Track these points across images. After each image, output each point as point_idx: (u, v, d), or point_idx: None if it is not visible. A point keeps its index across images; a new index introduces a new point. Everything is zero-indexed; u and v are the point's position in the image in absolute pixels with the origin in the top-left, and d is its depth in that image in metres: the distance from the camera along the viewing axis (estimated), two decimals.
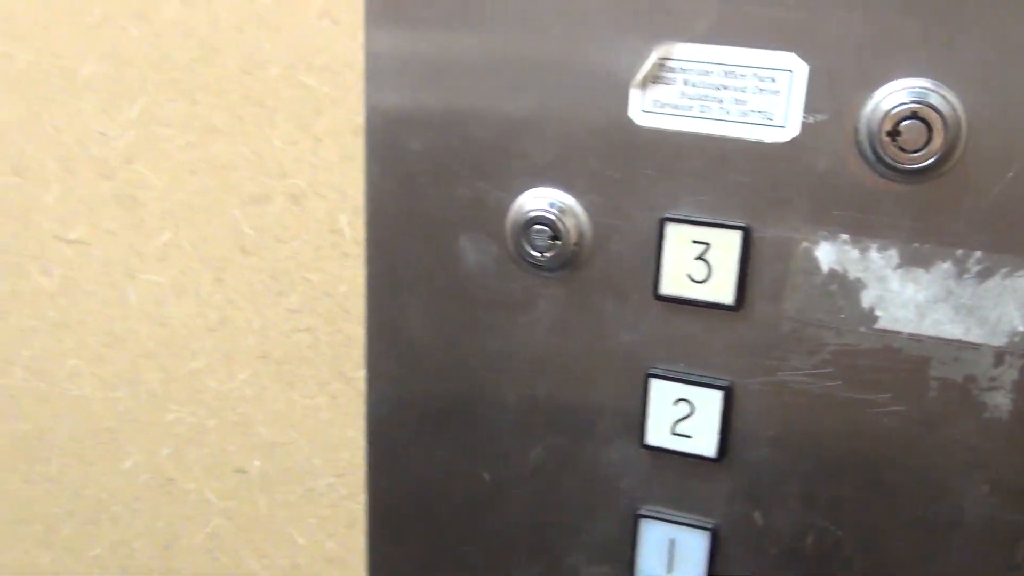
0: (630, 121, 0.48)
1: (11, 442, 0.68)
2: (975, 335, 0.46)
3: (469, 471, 0.56)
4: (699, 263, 0.49)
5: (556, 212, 0.50)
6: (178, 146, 0.58)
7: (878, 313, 0.47)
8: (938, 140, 0.44)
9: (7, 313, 0.65)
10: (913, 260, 0.46)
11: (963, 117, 0.44)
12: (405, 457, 0.57)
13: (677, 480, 0.52)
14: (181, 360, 0.63)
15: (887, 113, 0.44)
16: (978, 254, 0.45)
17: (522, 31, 0.49)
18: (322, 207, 0.57)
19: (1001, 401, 0.47)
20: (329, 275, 0.58)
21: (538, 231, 0.51)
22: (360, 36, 0.53)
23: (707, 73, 0.47)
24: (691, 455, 0.51)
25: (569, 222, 0.50)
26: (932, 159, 0.44)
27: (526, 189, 0.51)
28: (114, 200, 0.61)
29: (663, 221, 0.49)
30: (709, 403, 0.50)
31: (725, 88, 0.47)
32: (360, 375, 0.58)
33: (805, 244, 0.47)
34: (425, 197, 0.53)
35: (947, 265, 0.46)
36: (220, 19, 0.55)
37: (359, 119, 0.54)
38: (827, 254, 0.47)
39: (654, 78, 0.48)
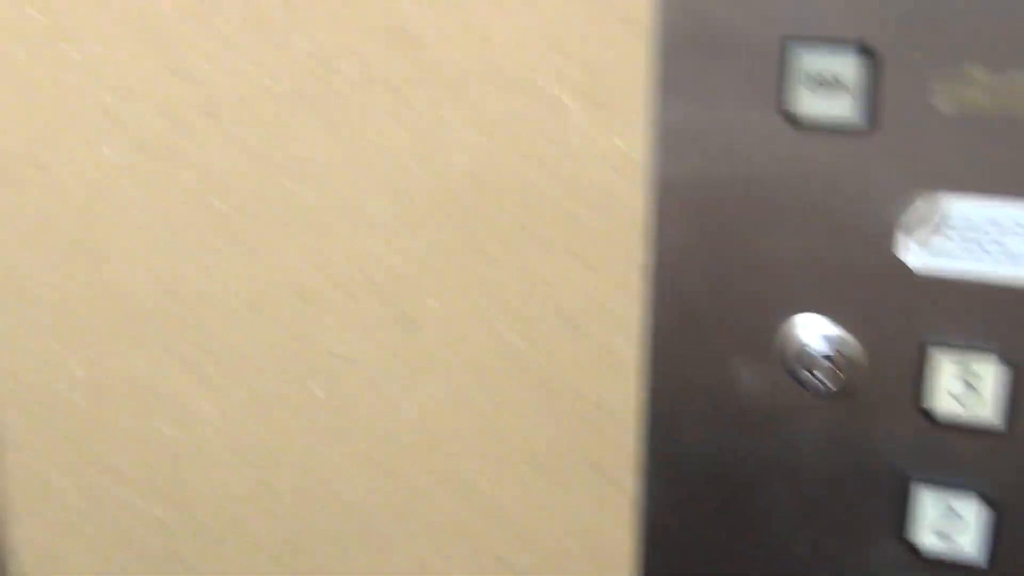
0: (901, 263, 0.55)
1: (274, 539, 0.75)
2: None
3: (739, 567, 0.62)
4: (965, 387, 0.55)
5: (828, 340, 0.56)
6: (455, 271, 0.65)
7: None
8: None
9: (276, 420, 0.72)
10: None
11: None
12: (676, 553, 0.63)
13: None
14: (448, 461, 0.69)
15: None
16: None
17: (796, 181, 0.55)
18: (595, 328, 0.63)
19: None
20: (600, 389, 0.64)
21: (810, 356, 0.57)
22: (639, 180, 0.59)
23: (975, 223, 0.53)
24: (956, 562, 0.57)
25: (840, 348, 0.56)
26: None
27: (797, 315, 0.57)
28: (391, 320, 0.67)
29: (929, 348, 0.55)
30: (974, 513, 0.56)
31: (992, 238, 0.53)
32: (628, 479, 0.65)
33: None
34: (701, 322, 0.59)
35: None
36: (503, 164, 0.62)
37: (635, 251, 0.60)
38: None
39: (927, 228, 0.54)
